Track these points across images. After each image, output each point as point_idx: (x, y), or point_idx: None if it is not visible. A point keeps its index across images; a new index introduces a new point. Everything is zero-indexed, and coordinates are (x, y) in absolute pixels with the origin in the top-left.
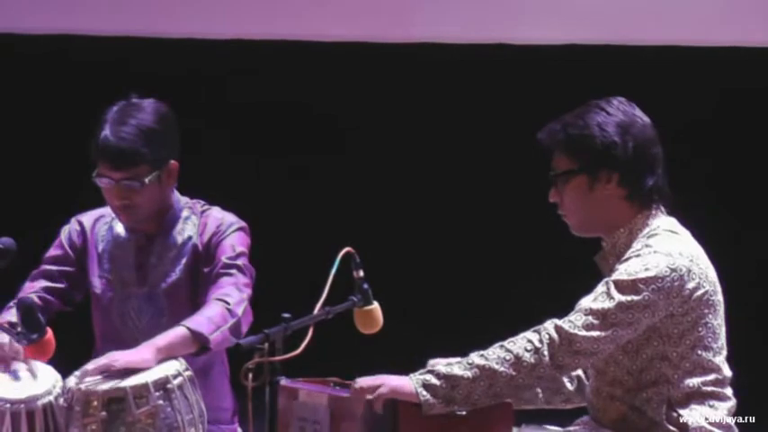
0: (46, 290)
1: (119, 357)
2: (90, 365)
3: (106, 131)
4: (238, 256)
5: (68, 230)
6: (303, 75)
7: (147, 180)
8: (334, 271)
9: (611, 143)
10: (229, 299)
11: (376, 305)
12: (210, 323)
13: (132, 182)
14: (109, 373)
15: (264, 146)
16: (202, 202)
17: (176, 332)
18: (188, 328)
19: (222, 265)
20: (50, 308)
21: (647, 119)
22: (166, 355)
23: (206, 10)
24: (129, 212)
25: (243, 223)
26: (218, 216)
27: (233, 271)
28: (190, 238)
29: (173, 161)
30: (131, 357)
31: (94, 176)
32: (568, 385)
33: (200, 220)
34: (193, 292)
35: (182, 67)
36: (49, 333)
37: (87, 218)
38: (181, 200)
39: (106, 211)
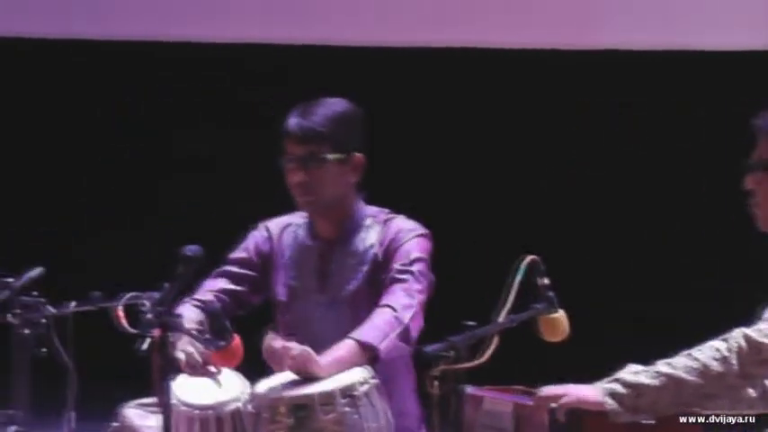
0: (224, 291)
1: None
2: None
3: (295, 113)
4: (413, 261)
5: (255, 236)
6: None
7: (328, 157)
8: (518, 278)
9: None
10: (396, 304)
11: (561, 313)
12: (378, 331)
13: (313, 157)
14: (294, 379)
15: (444, 150)
16: (387, 211)
17: (346, 345)
18: (356, 341)
19: (395, 271)
20: (226, 310)
21: None
22: (338, 369)
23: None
24: (307, 191)
25: (424, 230)
26: (400, 224)
27: (405, 276)
28: (371, 246)
29: (357, 154)
30: (319, 366)
31: (281, 160)
32: (751, 392)
33: (383, 229)
34: (374, 301)
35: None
36: (237, 339)
37: (275, 225)
38: (365, 209)
39: (293, 218)
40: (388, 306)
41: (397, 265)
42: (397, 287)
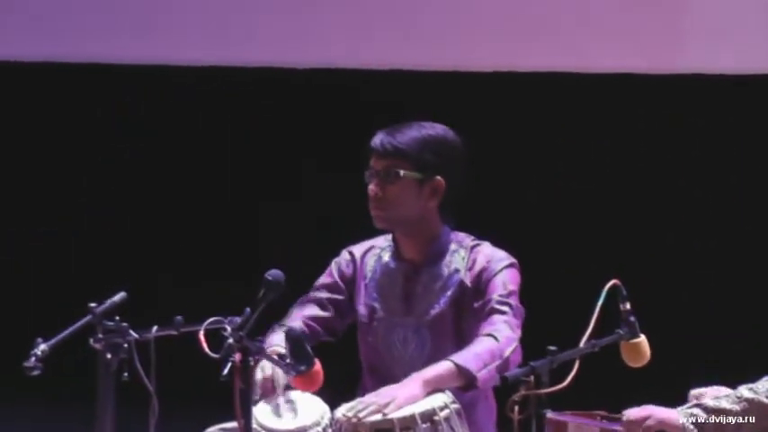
0: (313, 318)
1: (390, 397)
2: (362, 402)
3: (384, 129)
4: (510, 294)
5: (339, 260)
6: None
7: (402, 173)
8: (600, 303)
9: None
10: (499, 336)
11: (643, 338)
12: (478, 360)
13: (389, 172)
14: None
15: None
16: (472, 237)
17: (444, 366)
18: (455, 364)
19: (494, 302)
20: (314, 337)
21: None
22: (433, 388)
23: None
24: (378, 205)
25: (513, 260)
26: (488, 252)
27: (505, 308)
28: (457, 271)
29: (440, 177)
30: (402, 396)
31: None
32: None
33: (470, 256)
34: (458, 326)
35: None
36: (318, 364)
37: (358, 249)
38: (451, 234)
39: (376, 242)
40: (492, 336)
41: (495, 296)
42: (498, 318)
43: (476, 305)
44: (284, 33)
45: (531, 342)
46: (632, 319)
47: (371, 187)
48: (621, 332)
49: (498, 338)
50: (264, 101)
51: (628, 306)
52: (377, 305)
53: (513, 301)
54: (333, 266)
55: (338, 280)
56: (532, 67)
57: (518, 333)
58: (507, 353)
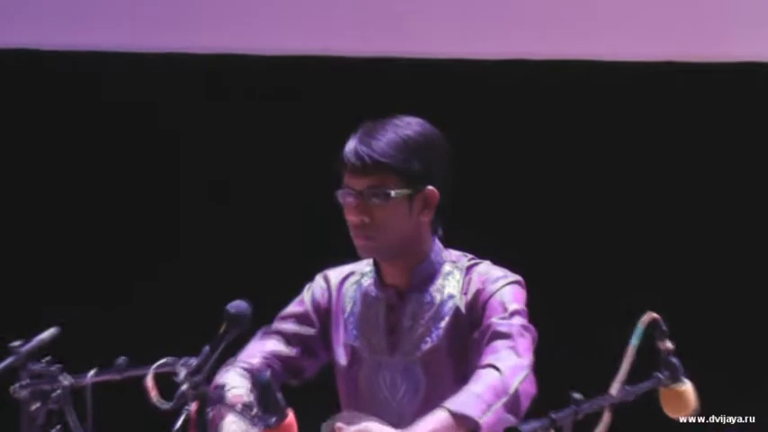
0: (275, 354)
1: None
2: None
3: (355, 137)
4: (513, 314)
5: (313, 287)
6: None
7: (393, 193)
8: (636, 342)
9: None
10: (501, 365)
11: (688, 384)
12: (479, 402)
13: (376, 192)
14: None
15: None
16: (470, 256)
17: (438, 418)
18: (450, 412)
19: (494, 326)
20: (276, 378)
21: None
22: None
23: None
24: (366, 233)
25: (516, 276)
26: (484, 271)
27: (507, 331)
28: (451, 296)
29: (430, 186)
30: None
31: (338, 193)
32: None
33: (465, 277)
34: (457, 363)
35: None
36: (291, 415)
37: (335, 274)
38: (443, 252)
39: (357, 266)
40: (492, 366)
41: (494, 320)
42: (500, 344)
43: (475, 335)
44: (274, 19)
45: (550, 387)
46: (674, 360)
47: (354, 212)
48: (661, 376)
49: (501, 370)
50: (263, 91)
51: (669, 345)
52: (357, 344)
53: (518, 321)
54: (305, 293)
55: (310, 310)
56: (544, 56)
57: (528, 358)
58: (514, 386)
